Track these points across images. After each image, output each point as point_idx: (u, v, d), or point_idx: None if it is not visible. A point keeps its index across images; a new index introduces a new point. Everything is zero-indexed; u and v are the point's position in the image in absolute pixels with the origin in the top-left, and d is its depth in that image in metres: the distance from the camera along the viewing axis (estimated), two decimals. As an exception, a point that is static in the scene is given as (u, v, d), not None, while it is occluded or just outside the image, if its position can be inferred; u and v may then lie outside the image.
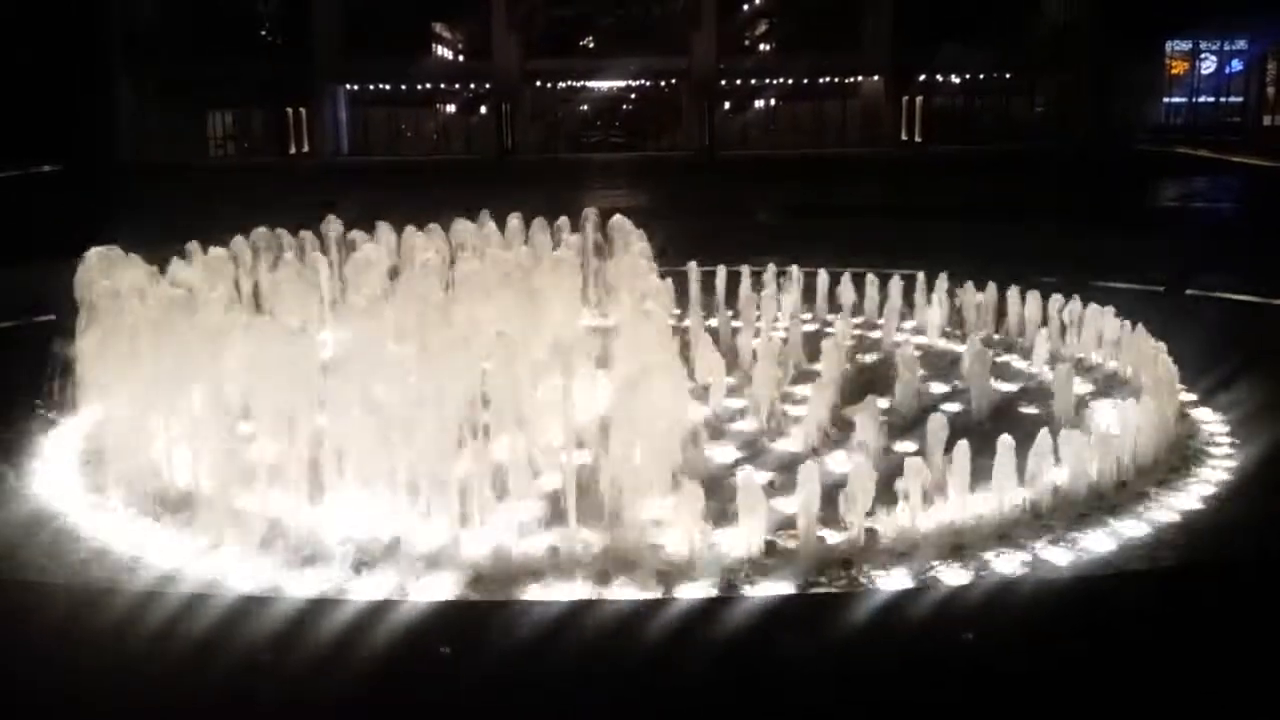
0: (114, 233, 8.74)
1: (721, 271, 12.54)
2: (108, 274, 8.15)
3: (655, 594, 5.77)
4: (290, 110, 53.22)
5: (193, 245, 10.21)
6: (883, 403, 8.00)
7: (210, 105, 53.40)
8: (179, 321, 7.36)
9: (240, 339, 7.19)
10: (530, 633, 5.24)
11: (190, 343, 7.16)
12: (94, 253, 8.35)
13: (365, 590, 5.85)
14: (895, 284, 11.78)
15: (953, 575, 6.02)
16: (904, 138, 53.54)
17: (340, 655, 4.92)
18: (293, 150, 52.99)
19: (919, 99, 53.66)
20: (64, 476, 7.73)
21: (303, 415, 6.74)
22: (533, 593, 5.83)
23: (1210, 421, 8.60)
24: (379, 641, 5.01)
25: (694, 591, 5.80)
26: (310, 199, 22.68)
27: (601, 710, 4.65)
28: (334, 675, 4.76)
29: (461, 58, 59.75)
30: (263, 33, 54.89)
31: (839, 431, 7.94)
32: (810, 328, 11.41)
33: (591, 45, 58.84)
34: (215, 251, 10.16)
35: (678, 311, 10.72)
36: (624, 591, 5.80)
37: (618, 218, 11.12)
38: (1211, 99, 57.24)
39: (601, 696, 4.69)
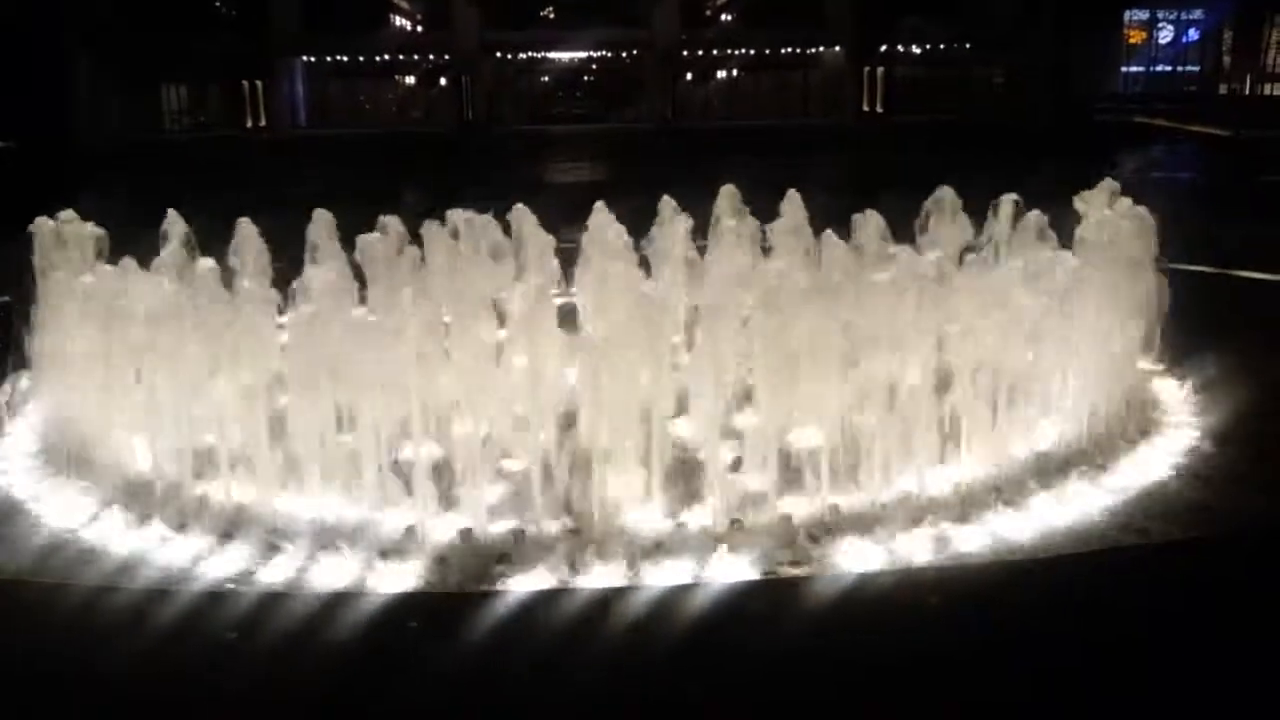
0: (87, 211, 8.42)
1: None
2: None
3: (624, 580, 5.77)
4: (247, 84, 52.36)
5: None
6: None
7: (165, 80, 52.44)
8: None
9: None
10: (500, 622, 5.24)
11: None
12: (45, 225, 8.08)
13: (329, 578, 5.83)
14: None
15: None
16: (865, 109, 53.59)
17: (306, 647, 4.91)
18: (249, 124, 52.16)
19: (880, 70, 53.70)
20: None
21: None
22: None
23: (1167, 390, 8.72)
24: (346, 633, 5.01)
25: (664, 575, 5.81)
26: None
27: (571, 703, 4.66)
28: (301, 668, 4.75)
29: (420, 29, 59.10)
30: (217, 4, 53.91)
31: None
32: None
33: (552, 16, 58.36)
34: None
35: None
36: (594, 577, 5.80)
37: None
38: (1169, 68, 57.82)
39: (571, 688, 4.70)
